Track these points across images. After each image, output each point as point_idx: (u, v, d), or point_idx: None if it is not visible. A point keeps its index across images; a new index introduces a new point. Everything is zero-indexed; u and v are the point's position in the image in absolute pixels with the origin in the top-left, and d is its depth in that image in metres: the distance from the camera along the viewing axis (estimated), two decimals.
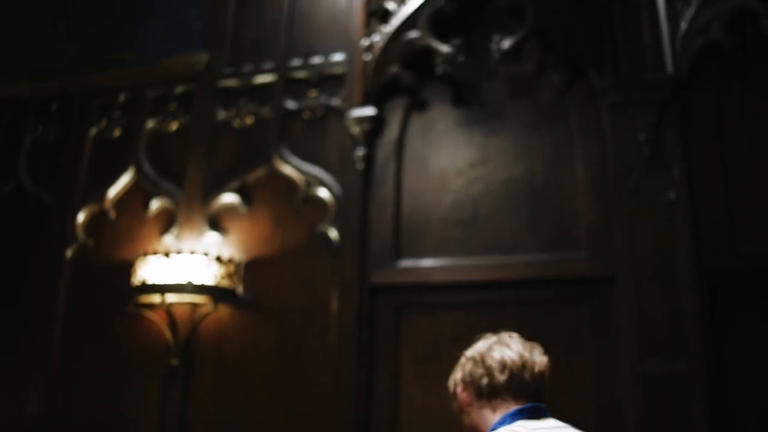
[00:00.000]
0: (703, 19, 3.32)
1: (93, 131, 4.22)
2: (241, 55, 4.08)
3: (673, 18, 3.38)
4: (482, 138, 3.59)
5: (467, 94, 3.68)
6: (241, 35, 4.14)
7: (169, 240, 3.80)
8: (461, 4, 3.72)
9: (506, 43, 3.53)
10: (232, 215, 3.80)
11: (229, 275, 3.59)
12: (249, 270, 3.67)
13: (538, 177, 3.45)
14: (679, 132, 3.24)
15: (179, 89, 4.13)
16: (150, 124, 4.12)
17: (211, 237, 3.75)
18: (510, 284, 3.35)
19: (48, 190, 4.17)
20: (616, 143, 3.31)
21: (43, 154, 4.29)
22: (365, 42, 3.80)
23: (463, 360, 1.78)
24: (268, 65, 4.00)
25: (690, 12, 3.36)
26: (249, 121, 3.93)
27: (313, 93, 3.86)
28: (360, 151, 3.64)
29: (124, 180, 4.04)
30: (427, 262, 3.48)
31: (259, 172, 3.81)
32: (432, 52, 3.64)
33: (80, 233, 4.00)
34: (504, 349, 1.73)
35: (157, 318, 3.65)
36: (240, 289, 3.63)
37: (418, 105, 3.73)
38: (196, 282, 3.49)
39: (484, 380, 1.69)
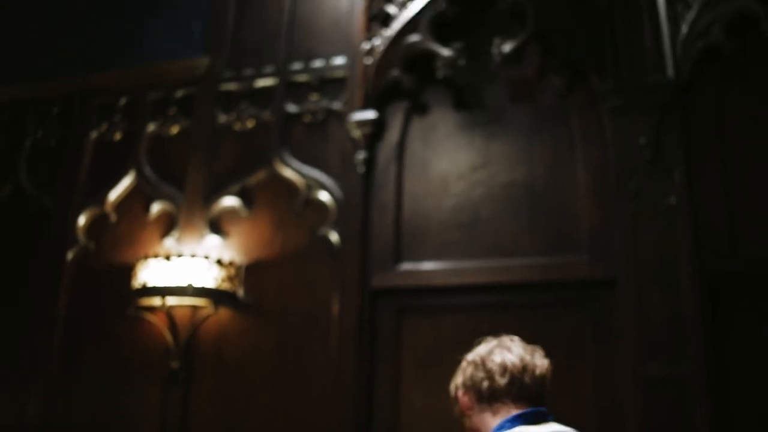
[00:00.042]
0: (703, 22, 3.32)
1: (93, 133, 4.22)
2: (242, 58, 4.09)
3: (674, 21, 3.38)
4: (483, 141, 3.59)
5: (468, 97, 3.68)
6: (242, 39, 4.14)
7: (169, 243, 3.80)
8: (462, 7, 3.72)
9: (507, 47, 3.53)
10: (232, 218, 3.80)
11: (230, 278, 3.59)
12: (250, 273, 3.67)
13: (539, 180, 3.45)
14: (680, 135, 3.24)
15: (180, 93, 4.13)
16: (151, 127, 4.12)
17: (212, 240, 3.75)
18: (511, 287, 3.35)
19: (48, 193, 4.18)
20: (617, 147, 3.31)
21: (43, 156, 4.29)
22: (366, 46, 3.81)
23: (464, 364, 1.78)
24: (269, 69, 4.00)
25: (691, 15, 3.36)
26: (250, 124, 3.94)
27: (314, 96, 3.86)
28: (361, 155, 3.64)
29: (125, 183, 4.04)
30: (428, 266, 3.47)
31: (259, 176, 3.81)
32: (433, 56, 3.64)
33: (81, 236, 4.00)
34: (505, 352, 1.73)
35: (158, 321, 3.65)
36: (241, 292, 3.63)
37: (418, 108, 3.73)
38: (197, 285, 3.49)
39: (485, 384, 1.69)
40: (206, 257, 3.55)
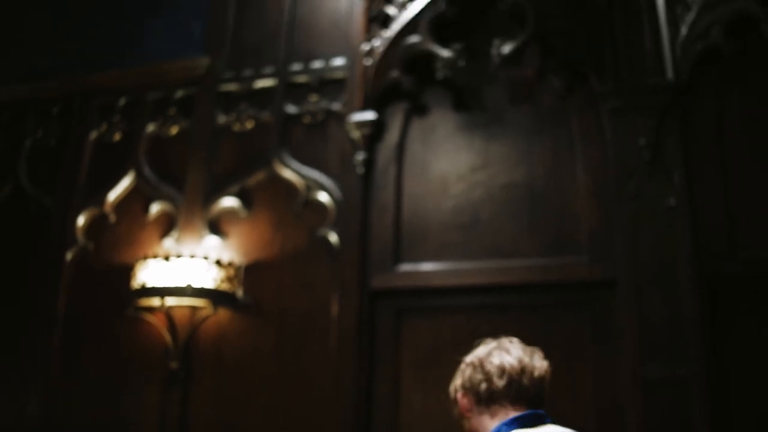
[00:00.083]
0: (703, 23, 3.32)
1: (93, 134, 4.22)
2: (242, 59, 4.09)
3: (674, 23, 3.39)
4: (483, 143, 3.59)
5: (468, 98, 3.68)
6: (242, 39, 4.14)
7: (169, 243, 3.80)
8: (462, 8, 3.72)
9: (507, 48, 3.53)
10: (232, 219, 3.80)
11: (229, 279, 3.59)
12: (249, 273, 3.67)
13: (538, 182, 3.45)
14: (680, 137, 3.24)
15: (179, 93, 4.13)
16: (150, 127, 4.12)
17: (211, 241, 3.75)
18: (511, 288, 3.35)
19: (48, 193, 4.17)
20: (617, 148, 3.31)
21: (43, 157, 4.29)
22: (366, 47, 3.81)
23: (462, 366, 1.78)
24: (268, 70, 4.00)
25: (690, 17, 3.36)
26: (249, 125, 3.94)
27: (313, 97, 3.86)
28: (360, 156, 3.64)
29: (125, 183, 4.04)
30: (428, 267, 3.47)
31: (259, 176, 3.81)
32: (432, 57, 3.64)
33: (80, 236, 4.00)
34: (503, 354, 1.72)
35: (157, 321, 3.64)
36: (240, 293, 3.63)
37: (418, 109, 3.73)
38: (196, 285, 3.49)
39: (483, 386, 1.69)
40: (205, 258, 3.55)
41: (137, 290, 3.55)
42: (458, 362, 1.80)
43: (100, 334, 3.80)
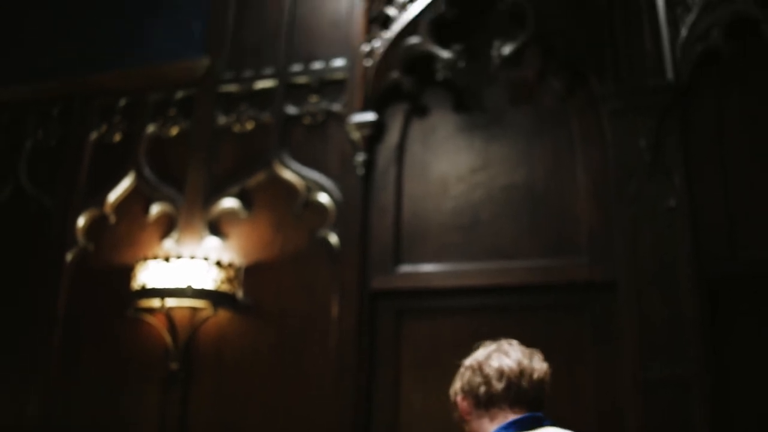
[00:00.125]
0: (703, 25, 3.32)
1: (93, 135, 4.22)
2: (242, 60, 4.09)
3: (674, 24, 3.39)
4: (483, 144, 3.59)
5: (468, 99, 3.68)
6: (242, 40, 4.14)
7: (169, 244, 3.80)
8: (462, 9, 3.72)
9: (507, 49, 3.53)
10: (232, 220, 3.80)
11: (229, 280, 3.59)
12: (249, 275, 3.67)
13: (539, 183, 3.45)
14: (680, 137, 3.25)
15: (180, 94, 4.13)
16: (150, 128, 4.12)
17: (211, 242, 3.75)
18: (511, 290, 3.35)
19: (48, 193, 4.18)
20: (617, 149, 3.31)
21: (43, 157, 4.29)
22: (366, 48, 3.81)
23: (462, 369, 1.78)
24: (268, 70, 4.00)
25: (690, 18, 3.36)
26: (249, 126, 3.94)
27: (313, 98, 3.86)
28: (360, 157, 3.64)
29: (125, 184, 4.04)
30: (428, 268, 3.47)
31: (259, 177, 3.81)
32: (432, 58, 3.64)
33: (80, 237, 4.00)
34: (502, 357, 1.72)
35: (157, 322, 3.65)
36: (240, 294, 3.63)
37: (418, 110, 3.73)
38: (196, 286, 3.49)
39: (482, 389, 1.69)
40: (205, 259, 3.55)
41: (137, 291, 3.55)
42: (458, 364, 1.80)
43: (100, 334, 3.80)
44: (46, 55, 4.58)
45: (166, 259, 3.53)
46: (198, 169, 3.91)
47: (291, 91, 3.93)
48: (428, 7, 3.72)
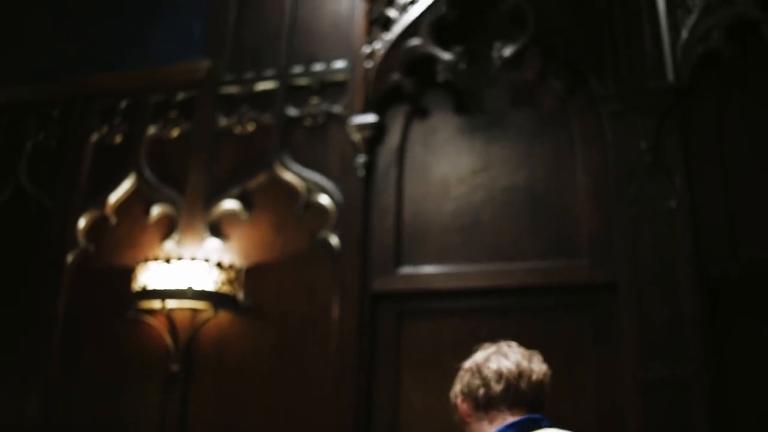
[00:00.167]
0: (703, 27, 3.33)
1: (94, 136, 4.22)
2: (243, 62, 4.09)
3: (674, 26, 3.39)
4: (483, 145, 3.60)
5: (468, 101, 3.68)
6: (243, 42, 4.15)
7: (169, 246, 3.80)
8: (462, 11, 3.73)
9: (507, 51, 3.54)
10: (233, 221, 3.80)
11: (230, 281, 3.59)
12: (250, 276, 3.67)
13: (539, 184, 3.45)
14: (680, 139, 3.25)
15: (180, 96, 4.14)
16: (151, 130, 4.13)
17: (212, 243, 3.75)
18: (511, 291, 3.35)
19: (48, 194, 4.17)
20: (618, 150, 3.32)
21: (44, 158, 4.29)
22: (367, 49, 3.81)
23: (461, 372, 1.79)
24: (269, 72, 4.01)
25: (691, 20, 3.37)
26: (250, 127, 3.94)
27: (314, 100, 3.87)
28: (361, 158, 3.65)
29: (125, 186, 4.04)
30: (428, 269, 3.48)
31: (260, 179, 3.82)
32: (433, 60, 3.65)
33: (81, 238, 4.00)
34: (501, 359, 1.73)
35: (158, 323, 3.65)
36: (240, 295, 3.63)
37: (419, 112, 3.74)
38: (197, 288, 3.49)
39: (481, 391, 1.70)
40: (206, 260, 3.55)
41: (138, 292, 3.55)
42: (458, 367, 1.80)
43: (100, 335, 3.80)
44: (47, 55, 4.58)
45: (167, 261, 3.53)
46: (199, 170, 3.91)
47: (292, 92, 3.93)
48: (429, 8, 3.72)
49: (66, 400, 3.74)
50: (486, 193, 3.52)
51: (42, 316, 3.91)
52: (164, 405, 3.56)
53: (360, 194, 3.61)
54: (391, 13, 3.82)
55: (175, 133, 4.09)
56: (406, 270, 3.50)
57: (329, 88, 3.87)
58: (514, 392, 1.68)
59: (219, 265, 3.57)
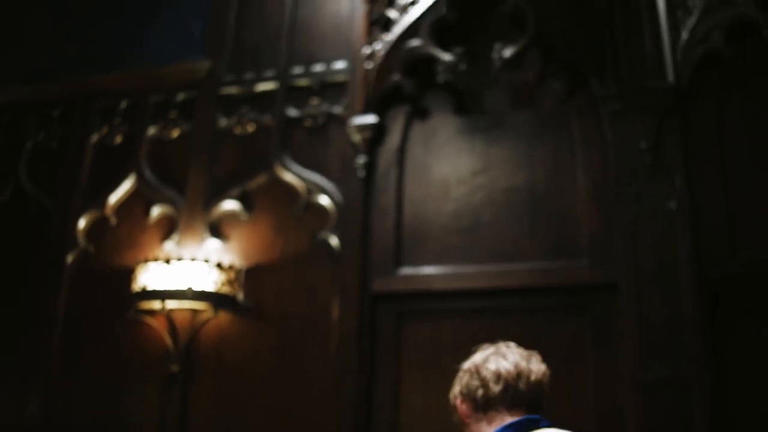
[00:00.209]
0: (703, 28, 3.33)
1: (94, 136, 4.22)
2: (243, 62, 4.09)
3: (674, 27, 3.40)
4: (484, 146, 3.60)
5: (469, 102, 3.69)
6: (243, 42, 4.15)
7: (169, 246, 3.80)
8: (463, 12, 3.73)
9: (508, 52, 3.54)
10: (233, 222, 3.80)
11: (230, 282, 3.59)
12: (250, 277, 3.67)
13: (539, 185, 3.46)
14: (680, 139, 3.26)
15: (180, 96, 4.14)
16: (151, 130, 4.13)
17: (212, 244, 3.75)
18: (511, 292, 3.36)
19: (48, 194, 4.18)
20: (618, 151, 3.32)
21: (44, 158, 4.30)
22: (367, 50, 3.81)
23: (460, 373, 1.79)
24: (269, 73, 4.01)
25: (691, 21, 3.37)
26: (250, 128, 3.94)
27: (314, 101, 3.87)
28: (361, 159, 3.65)
29: (126, 186, 4.04)
30: (429, 270, 3.48)
31: (260, 180, 3.82)
32: (433, 61, 3.65)
33: (81, 239, 4.00)
34: (500, 359, 1.73)
35: (158, 324, 3.65)
36: (240, 296, 3.63)
37: (419, 113, 3.74)
38: (197, 288, 3.49)
39: (480, 392, 1.70)
40: (206, 261, 3.55)
41: (138, 293, 3.55)
42: (457, 368, 1.81)
43: (100, 335, 3.80)
44: (47, 55, 4.58)
45: (167, 261, 3.53)
46: (199, 171, 3.91)
47: (292, 93, 3.93)
48: (429, 9, 3.73)
49: (66, 400, 3.74)
50: (486, 193, 3.52)
51: (42, 316, 3.91)
52: (164, 405, 3.56)
53: (360, 195, 3.61)
54: (392, 13, 3.83)
55: (175, 133, 4.09)
56: (407, 271, 3.50)
57: (329, 88, 3.87)
58: (513, 393, 1.68)
59: (219, 265, 3.57)
